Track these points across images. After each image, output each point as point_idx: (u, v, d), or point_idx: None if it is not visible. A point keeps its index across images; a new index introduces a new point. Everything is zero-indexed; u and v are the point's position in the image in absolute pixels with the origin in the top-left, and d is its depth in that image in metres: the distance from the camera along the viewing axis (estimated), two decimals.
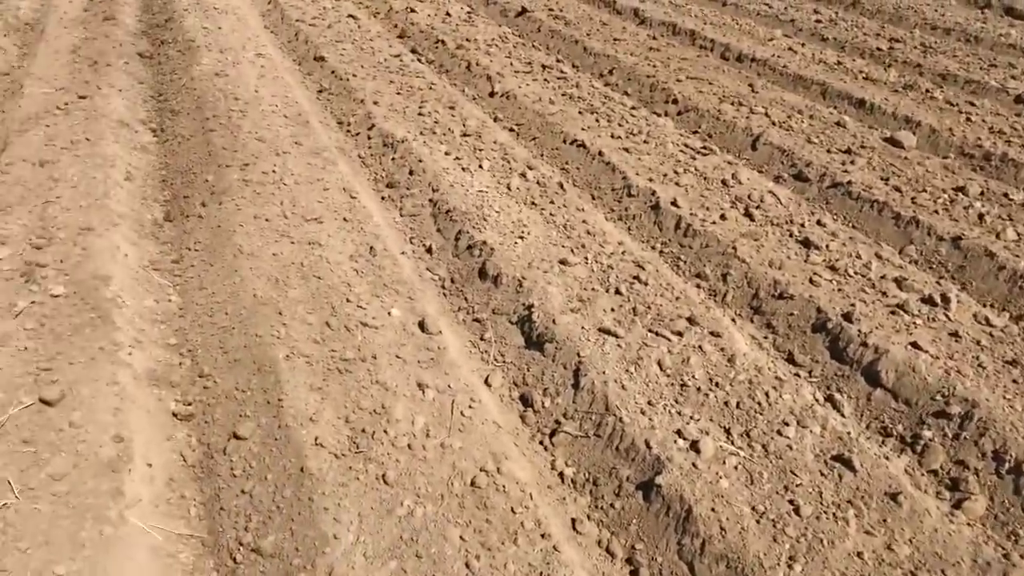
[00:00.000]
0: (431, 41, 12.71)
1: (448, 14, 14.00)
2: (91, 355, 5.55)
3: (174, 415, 5.41)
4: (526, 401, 5.54)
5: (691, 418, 5.09)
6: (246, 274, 6.55)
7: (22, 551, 4.20)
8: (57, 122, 9.18)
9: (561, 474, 5.00)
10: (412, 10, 14.17)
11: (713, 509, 4.47)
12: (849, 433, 5.00)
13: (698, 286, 6.80)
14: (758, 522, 4.42)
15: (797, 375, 5.76)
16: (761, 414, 5.13)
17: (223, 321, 6.15)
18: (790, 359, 5.94)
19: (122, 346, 5.70)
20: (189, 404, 5.52)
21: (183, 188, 8.28)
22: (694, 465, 4.73)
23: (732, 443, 4.93)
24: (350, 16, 13.80)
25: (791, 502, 4.54)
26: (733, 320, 6.38)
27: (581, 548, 4.52)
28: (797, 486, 4.66)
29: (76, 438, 4.89)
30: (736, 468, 4.76)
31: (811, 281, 6.38)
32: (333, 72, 11.23)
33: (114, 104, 9.88)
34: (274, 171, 8.14)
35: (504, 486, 4.65)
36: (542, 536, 4.36)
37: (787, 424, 5.01)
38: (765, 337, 6.19)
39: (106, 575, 4.09)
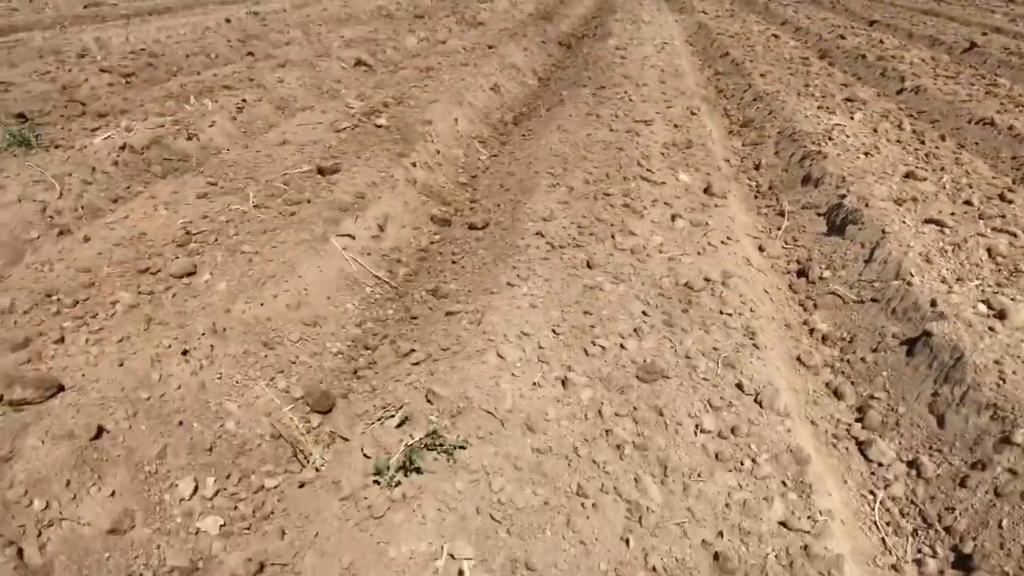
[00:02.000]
0: (851, 57, 11.80)
1: (881, 42, 12.92)
2: (379, 156, 5.68)
3: (431, 218, 5.29)
4: (802, 273, 4.52)
5: (1011, 297, 3.71)
6: (552, 140, 6.35)
7: (228, 236, 4.27)
8: (459, 58, 9.96)
9: (812, 329, 3.93)
10: (842, 36, 13.32)
11: (997, 362, 3.14)
12: None
13: None
14: None
15: None
16: None
17: (512, 168, 6.01)
18: None
19: (408, 157, 5.75)
20: (447, 206, 5.39)
21: (541, 105, 8.40)
22: (991, 328, 3.41)
23: None
24: (773, 35, 13.37)
25: None
26: None
27: (799, 377, 3.45)
28: None
29: (325, 188, 4.97)
30: None
31: None
32: (733, 60, 10.86)
33: (514, 55, 10.48)
34: (626, 92, 7.93)
35: (723, 295, 3.74)
36: (749, 340, 3.39)
37: None
38: None
39: (284, 262, 3.97)
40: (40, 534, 2.27)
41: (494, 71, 9.28)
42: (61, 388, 2.85)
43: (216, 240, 4.23)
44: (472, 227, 4.86)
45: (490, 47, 10.82)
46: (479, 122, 7.59)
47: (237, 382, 3.17)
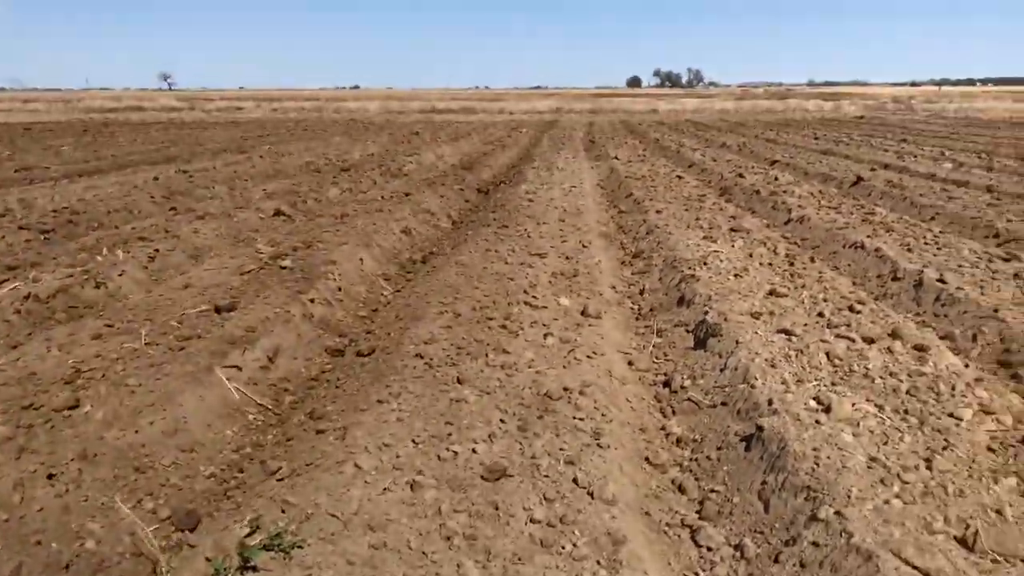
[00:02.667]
0: (747, 194, 12.62)
1: (776, 178, 13.86)
2: (278, 294, 5.97)
3: (326, 349, 5.53)
4: (667, 384, 4.84)
5: (841, 393, 4.07)
6: (448, 274, 6.72)
7: (116, 372, 4.47)
8: (376, 205, 10.47)
9: (668, 433, 4.21)
10: (741, 175, 14.26)
11: (815, 449, 3.45)
12: None
13: (942, 337, 5.60)
14: (869, 467, 3.31)
15: None
16: (937, 401, 3.95)
17: (410, 301, 6.32)
18: None
19: (307, 294, 6.04)
20: (343, 337, 5.65)
21: (447, 244, 8.85)
22: (817, 421, 3.74)
23: (880, 414, 3.82)
24: (678, 176, 14.25)
25: (927, 460, 3.36)
26: (966, 365, 5.10)
27: (645, 474, 3.70)
28: (944, 449, 3.45)
29: (218, 324, 5.21)
30: (871, 431, 3.66)
31: None
32: (635, 200, 11.56)
33: (429, 201, 11.05)
34: (526, 230, 8.42)
35: (578, 403, 4.03)
36: (595, 441, 3.66)
37: (966, 408, 3.79)
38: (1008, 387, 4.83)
39: (165, 392, 4.17)
40: None
41: (407, 216, 9.77)
42: None
43: (104, 376, 4.41)
44: (360, 354, 5.12)
45: (407, 195, 11.40)
46: (387, 261, 7.97)
47: (103, 504, 3.31)
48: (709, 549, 3.20)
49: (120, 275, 6.94)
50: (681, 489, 3.66)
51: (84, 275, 6.70)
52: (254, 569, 2.65)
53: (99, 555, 3.06)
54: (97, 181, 13.67)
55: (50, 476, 3.29)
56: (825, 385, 4.22)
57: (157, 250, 7.75)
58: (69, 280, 6.50)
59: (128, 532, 3.22)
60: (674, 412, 4.47)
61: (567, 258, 7.28)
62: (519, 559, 2.74)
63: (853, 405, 3.92)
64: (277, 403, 4.67)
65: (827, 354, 4.61)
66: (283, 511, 3.10)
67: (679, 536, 3.27)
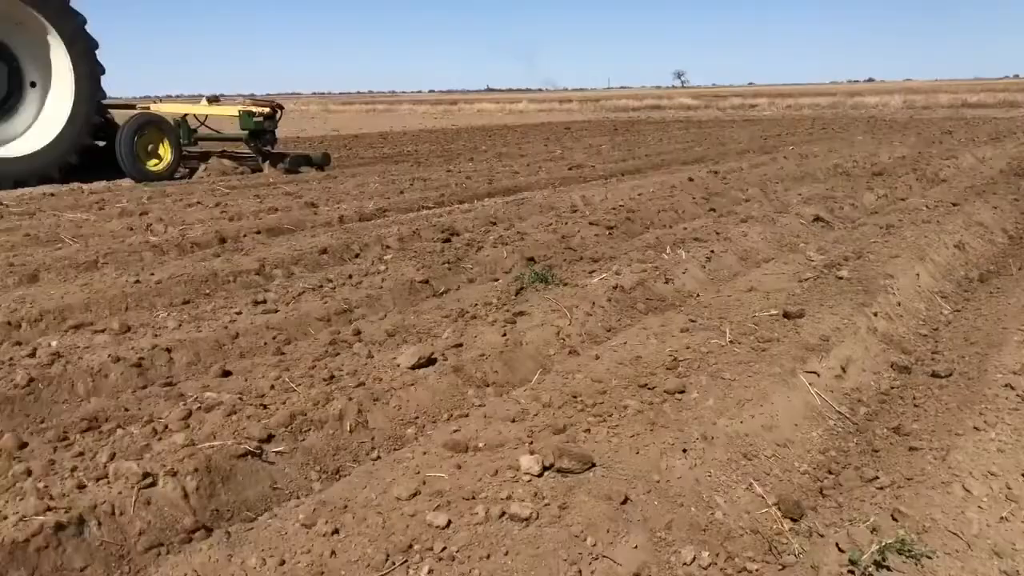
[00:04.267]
0: None
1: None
2: (840, 304, 6.19)
3: (891, 365, 5.60)
4: None
5: None
6: (1021, 297, 6.33)
7: (709, 364, 5.07)
8: (929, 215, 10.09)
9: None
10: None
11: None
12: None
13: None
14: None
15: None
16: None
17: (977, 324, 6.12)
18: None
19: (870, 307, 6.16)
20: (907, 355, 5.66)
21: (1012, 263, 8.27)
22: None
23: None
24: None
25: None
26: None
27: None
28: None
29: (791, 330, 5.59)
30: None
31: None
32: None
33: (981, 212, 10.36)
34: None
35: None
36: None
37: None
38: None
39: (758, 389, 4.65)
40: (590, 564, 3.09)
41: (958, 229, 9.29)
42: (593, 464, 3.73)
43: (698, 367, 5.02)
44: (935, 375, 5.10)
45: (954, 204, 10.80)
46: (941, 278, 7.71)
47: (722, 481, 3.83)
48: None
49: (683, 272, 7.70)
50: None
51: (654, 270, 7.56)
52: (888, 568, 2.90)
53: (725, 526, 3.57)
54: (639, 180, 15.09)
55: (684, 451, 3.90)
56: None
57: (712, 251, 8.41)
58: (643, 275, 7.39)
59: (744, 510, 3.69)
60: None
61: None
62: None
63: None
64: (853, 412, 4.88)
65: None
66: (895, 519, 3.31)
67: None
